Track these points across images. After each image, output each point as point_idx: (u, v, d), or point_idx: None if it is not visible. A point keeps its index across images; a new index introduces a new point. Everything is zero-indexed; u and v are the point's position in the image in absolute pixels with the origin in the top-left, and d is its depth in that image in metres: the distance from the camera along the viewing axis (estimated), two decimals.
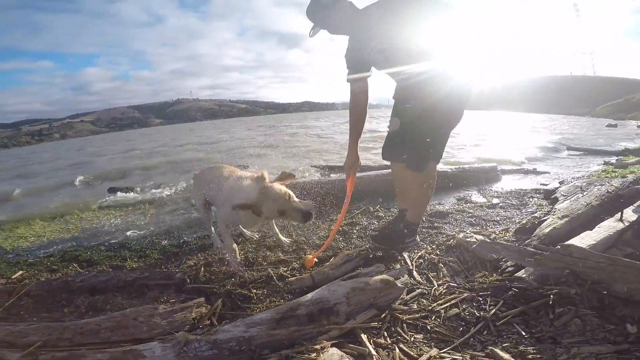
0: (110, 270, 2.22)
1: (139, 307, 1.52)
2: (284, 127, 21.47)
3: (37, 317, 1.69)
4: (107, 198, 5.00)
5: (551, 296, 1.38)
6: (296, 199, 1.86)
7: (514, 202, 3.21)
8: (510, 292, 1.48)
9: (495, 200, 3.30)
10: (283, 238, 2.43)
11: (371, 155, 6.92)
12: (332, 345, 1.19)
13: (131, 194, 5.13)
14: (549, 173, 4.86)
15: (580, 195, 2.67)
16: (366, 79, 2.03)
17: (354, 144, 2.11)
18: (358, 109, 2.05)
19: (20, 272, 2.31)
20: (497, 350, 1.15)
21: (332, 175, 4.95)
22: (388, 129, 2.16)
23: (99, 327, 1.41)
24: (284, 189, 1.87)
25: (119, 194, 5.19)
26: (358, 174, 3.65)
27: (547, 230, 2.01)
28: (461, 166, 4.52)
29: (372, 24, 1.89)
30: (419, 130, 1.95)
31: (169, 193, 4.96)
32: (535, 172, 4.92)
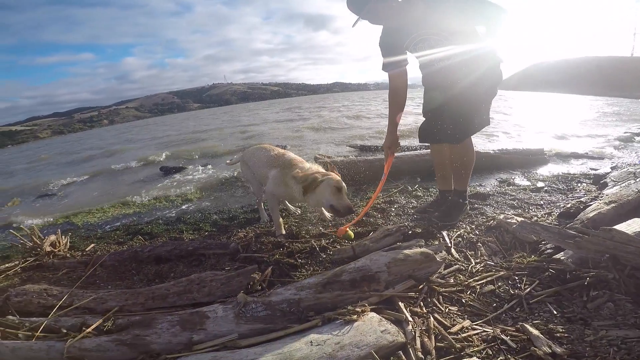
0: (172, 241, 2.49)
1: (202, 273, 1.72)
2: (317, 108, 21.44)
3: (112, 284, 1.94)
4: (159, 177, 5.48)
5: (587, 279, 1.38)
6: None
7: (560, 187, 3.08)
8: (547, 273, 1.49)
9: (540, 184, 3.19)
10: (327, 213, 2.56)
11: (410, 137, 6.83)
12: (371, 310, 1.31)
13: (181, 174, 5.56)
14: (602, 159, 4.53)
15: (633, 181, 2.52)
16: (404, 66, 2.12)
17: (392, 127, 2.22)
18: (396, 94, 2.17)
19: (92, 245, 2.64)
20: (527, 326, 1.19)
21: (368, 155, 4.98)
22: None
23: (167, 292, 1.62)
24: (339, 181, 2.05)
25: (171, 174, 5.66)
26: (398, 154, 3.74)
27: (591, 214, 1.95)
28: (504, 148, 4.36)
29: (417, 15, 1.98)
30: (454, 110, 2.08)
31: (214, 172, 5.31)
32: (587, 156, 4.61)
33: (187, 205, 3.72)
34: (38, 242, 2.44)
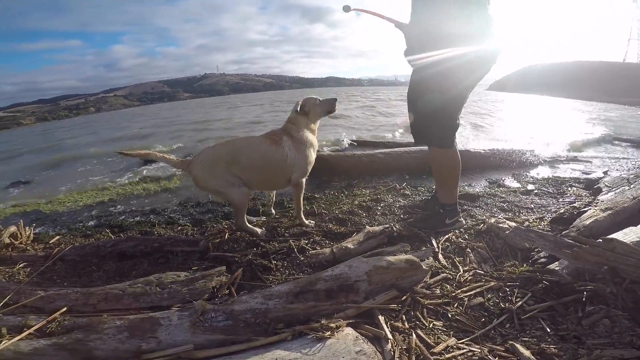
0: (139, 236, 2.29)
1: (162, 274, 1.54)
2: None
3: (68, 281, 1.75)
4: (139, 165, 5.22)
5: (584, 293, 1.28)
6: None
7: (550, 190, 3.00)
8: (540, 285, 1.38)
9: (530, 187, 3.11)
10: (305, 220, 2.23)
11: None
12: (347, 325, 1.15)
13: (163, 164, 5.30)
14: (591, 162, 4.49)
15: (627, 187, 2.44)
16: None
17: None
18: None
19: (57, 237, 2.42)
20: (517, 345, 1.09)
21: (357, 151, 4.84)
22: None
23: (122, 293, 1.43)
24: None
25: (152, 164, 5.39)
26: (385, 150, 3.63)
27: (587, 222, 1.84)
28: (495, 148, 4.28)
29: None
30: (443, 114, 1.92)
31: None
32: (576, 160, 4.58)
33: (164, 195, 3.52)
34: None
